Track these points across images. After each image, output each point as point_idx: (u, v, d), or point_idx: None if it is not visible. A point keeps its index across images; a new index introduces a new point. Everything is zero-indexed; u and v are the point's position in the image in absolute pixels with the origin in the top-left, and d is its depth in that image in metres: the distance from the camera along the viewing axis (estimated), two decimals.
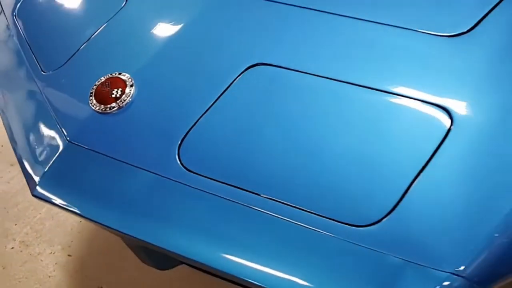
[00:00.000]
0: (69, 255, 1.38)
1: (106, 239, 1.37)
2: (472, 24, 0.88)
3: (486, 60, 0.83)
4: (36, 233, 1.44)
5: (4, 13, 1.26)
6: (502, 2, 0.90)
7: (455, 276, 0.67)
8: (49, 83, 1.00)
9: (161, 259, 0.99)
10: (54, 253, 1.39)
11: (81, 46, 1.02)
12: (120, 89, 0.91)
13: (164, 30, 0.99)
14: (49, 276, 1.34)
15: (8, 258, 1.39)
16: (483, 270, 0.68)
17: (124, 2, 1.08)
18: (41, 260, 1.38)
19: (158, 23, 1.01)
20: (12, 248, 1.42)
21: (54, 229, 1.45)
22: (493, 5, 0.90)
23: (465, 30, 0.87)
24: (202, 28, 0.97)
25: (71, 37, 1.06)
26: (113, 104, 0.90)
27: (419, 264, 0.68)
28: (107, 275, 1.32)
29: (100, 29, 1.03)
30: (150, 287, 1.28)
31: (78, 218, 1.47)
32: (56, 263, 1.37)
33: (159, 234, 0.79)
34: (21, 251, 1.41)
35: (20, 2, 1.24)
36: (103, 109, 0.89)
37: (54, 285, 1.32)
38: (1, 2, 1.30)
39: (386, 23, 0.90)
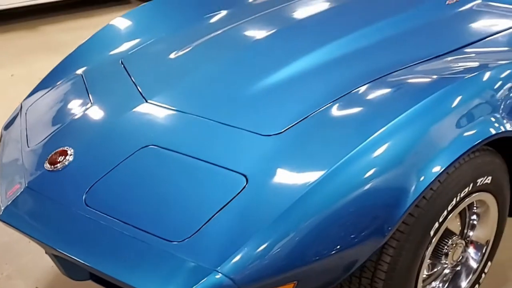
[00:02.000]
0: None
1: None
2: (282, 130, 1.38)
3: (283, 150, 1.33)
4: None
5: (21, 112, 1.90)
6: (311, 115, 1.41)
7: (216, 271, 1.11)
8: (29, 154, 1.58)
9: (72, 269, 1.45)
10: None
11: (52, 133, 1.61)
12: (63, 156, 1.46)
13: (99, 124, 1.57)
14: None
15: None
16: (243, 272, 1.12)
17: (90, 104, 1.67)
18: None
19: (98, 120, 1.60)
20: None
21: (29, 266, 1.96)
22: (303, 117, 1.41)
23: (277, 132, 1.38)
24: (121, 126, 1.54)
25: (49, 127, 1.66)
26: (57, 165, 1.44)
27: (197, 264, 1.13)
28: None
29: (66, 123, 1.62)
30: None
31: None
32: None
33: (59, 241, 1.28)
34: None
35: (30, 105, 1.88)
36: (50, 168, 1.44)
37: None
38: (22, 105, 1.95)
39: (232, 125, 1.43)
